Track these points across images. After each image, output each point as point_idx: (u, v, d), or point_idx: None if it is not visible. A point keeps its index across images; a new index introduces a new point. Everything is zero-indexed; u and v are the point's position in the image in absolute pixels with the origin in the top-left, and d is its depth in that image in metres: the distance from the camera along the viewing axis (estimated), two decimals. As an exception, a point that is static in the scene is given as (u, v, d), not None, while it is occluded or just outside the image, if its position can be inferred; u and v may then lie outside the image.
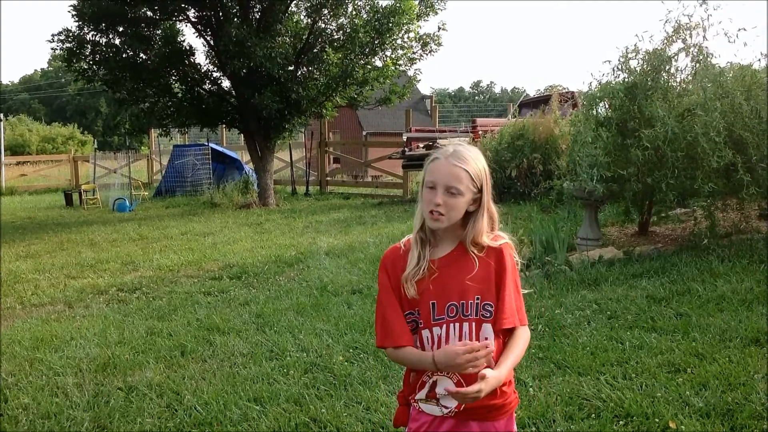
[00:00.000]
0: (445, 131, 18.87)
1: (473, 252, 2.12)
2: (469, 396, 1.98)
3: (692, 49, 7.35)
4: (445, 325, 2.11)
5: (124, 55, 14.54)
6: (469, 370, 2.01)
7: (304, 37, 15.09)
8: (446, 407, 2.12)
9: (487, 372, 2.00)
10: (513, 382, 2.23)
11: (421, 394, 2.15)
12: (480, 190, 2.11)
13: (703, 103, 6.81)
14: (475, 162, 2.11)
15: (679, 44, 7.37)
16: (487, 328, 2.12)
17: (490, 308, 2.11)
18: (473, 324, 2.10)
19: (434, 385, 2.13)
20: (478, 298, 2.10)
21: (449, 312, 2.10)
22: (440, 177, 2.07)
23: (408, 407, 2.22)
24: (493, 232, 2.18)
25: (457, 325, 2.10)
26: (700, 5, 7.16)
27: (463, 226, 2.14)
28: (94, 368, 4.82)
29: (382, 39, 14.31)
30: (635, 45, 7.47)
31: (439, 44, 15.17)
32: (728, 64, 7.37)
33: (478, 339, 2.10)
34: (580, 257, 7.15)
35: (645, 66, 7.37)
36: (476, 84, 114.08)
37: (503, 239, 2.18)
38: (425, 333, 2.13)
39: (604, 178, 7.26)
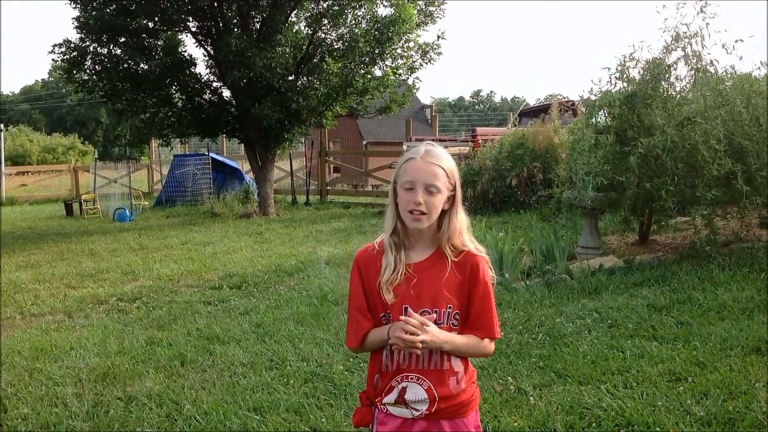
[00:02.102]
0: (444, 140, 18.90)
1: (449, 255, 2.13)
2: (416, 345, 2.00)
3: (691, 58, 7.36)
4: None
5: (124, 66, 14.58)
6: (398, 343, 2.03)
7: (304, 47, 15.14)
8: (416, 410, 2.13)
9: (432, 326, 2.03)
10: (475, 378, 2.26)
11: (390, 398, 2.16)
12: (454, 188, 2.13)
13: (703, 111, 6.83)
14: (448, 160, 2.13)
15: (678, 53, 7.40)
16: None
17: (458, 317, 2.14)
18: None
19: (404, 390, 2.14)
20: (450, 307, 2.12)
21: None
22: (419, 176, 2.07)
23: (372, 408, 2.23)
24: (470, 236, 2.19)
25: None
26: (698, 14, 7.19)
27: (438, 228, 2.15)
28: (93, 378, 4.81)
29: (382, 48, 14.34)
30: (632, 54, 7.51)
31: (439, 53, 15.20)
32: (727, 72, 7.38)
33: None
34: (580, 266, 7.14)
35: (644, 75, 7.39)
36: (476, 93, 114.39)
37: (482, 252, 2.19)
38: None
39: (603, 186, 7.28)
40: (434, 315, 2.09)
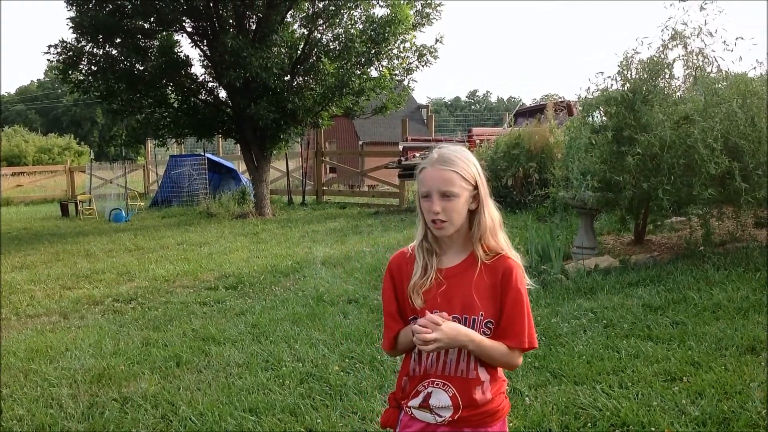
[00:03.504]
0: (441, 140, 18.91)
1: (481, 256, 2.09)
2: (429, 344, 1.96)
3: (690, 56, 7.37)
4: None
5: (120, 66, 14.56)
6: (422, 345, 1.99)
7: (299, 47, 15.14)
8: (440, 416, 2.11)
9: (446, 324, 1.99)
10: (504, 388, 2.21)
11: (415, 402, 2.15)
12: (476, 187, 2.09)
13: (702, 110, 6.83)
14: (462, 161, 2.07)
15: (677, 51, 7.40)
16: None
17: (491, 326, 2.08)
18: None
19: (428, 396, 2.12)
20: (482, 315, 2.07)
21: None
22: (432, 184, 2.04)
23: (398, 410, 2.22)
24: (504, 235, 2.14)
25: None
26: (700, 10, 7.20)
27: (470, 229, 2.11)
28: (89, 379, 4.80)
29: (378, 49, 14.34)
30: (634, 50, 7.50)
31: (435, 56, 15.19)
32: (724, 72, 7.39)
33: (476, 357, 2.10)
34: (576, 266, 7.15)
35: (643, 73, 7.39)
36: (472, 93, 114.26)
37: (517, 257, 2.14)
38: None
39: (600, 186, 7.27)
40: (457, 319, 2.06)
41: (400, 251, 2.22)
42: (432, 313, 2.04)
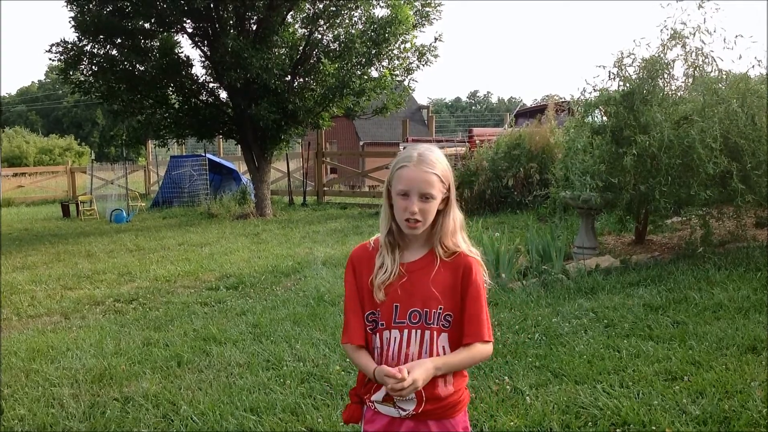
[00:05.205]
0: (441, 141, 18.92)
1: (440, 255, 2.13)
2: (396, 390, 1.98)
3: (690, 55, 7.37)
4: (406, 330, 2.11)
5: (120, 67, 14.57)
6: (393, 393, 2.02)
7: (300, 47, 15.14)
8: (404, 410, 2.13)
9: (411, 372, 1.99)
10: (466, 381, 2.23)
11: (378, 396, 2.16)
12: (448, 189, 2.13)
13: (700, 109, 6.83)
14: (441, 164, 2.11)
15: (676, 50, 7.40)
16: (444, 338, 2.13)
17: (449, 318, 2.12)
18: (434, 333, 2.11)
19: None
20: (441, 308, 2.10)
21: (411, 318, 2.11)
22: (413, 185, 2.06)
23: (361, 405, 2.23)
24: (464, 235, 2.18)
25: (418, 332, 2.11)
26: (698, 8, 7.19)
27: (433, 228, 2.15)
28: (90, 379, 4.81)
29: (378, 49, 14.35)
30: (630, 51, 7.50)
31: (435, 55, 15.21)
32: (723, 72, 7.39)
33: (436, 348, 2.11)
34: (576, 266, 7.15)
35: (642, 73, 7.39)
36: (473, 94, 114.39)
37: (477, 255, 2.18)
38: (385, 334, 2.13)
39: (599, 186, 7.27)
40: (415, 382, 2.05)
41: (362, 245, 2.25)
42: (393, 306, 2.10)
